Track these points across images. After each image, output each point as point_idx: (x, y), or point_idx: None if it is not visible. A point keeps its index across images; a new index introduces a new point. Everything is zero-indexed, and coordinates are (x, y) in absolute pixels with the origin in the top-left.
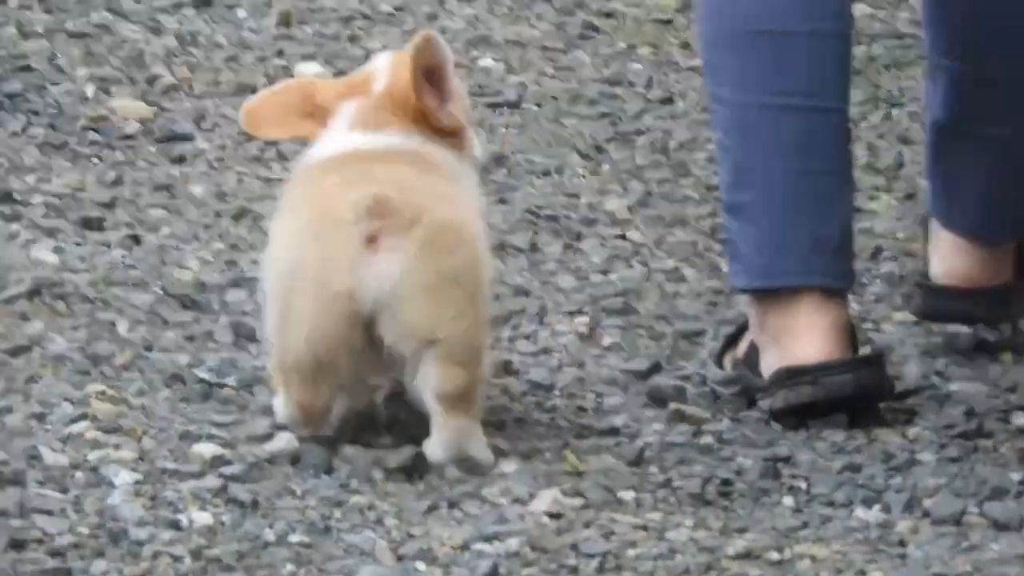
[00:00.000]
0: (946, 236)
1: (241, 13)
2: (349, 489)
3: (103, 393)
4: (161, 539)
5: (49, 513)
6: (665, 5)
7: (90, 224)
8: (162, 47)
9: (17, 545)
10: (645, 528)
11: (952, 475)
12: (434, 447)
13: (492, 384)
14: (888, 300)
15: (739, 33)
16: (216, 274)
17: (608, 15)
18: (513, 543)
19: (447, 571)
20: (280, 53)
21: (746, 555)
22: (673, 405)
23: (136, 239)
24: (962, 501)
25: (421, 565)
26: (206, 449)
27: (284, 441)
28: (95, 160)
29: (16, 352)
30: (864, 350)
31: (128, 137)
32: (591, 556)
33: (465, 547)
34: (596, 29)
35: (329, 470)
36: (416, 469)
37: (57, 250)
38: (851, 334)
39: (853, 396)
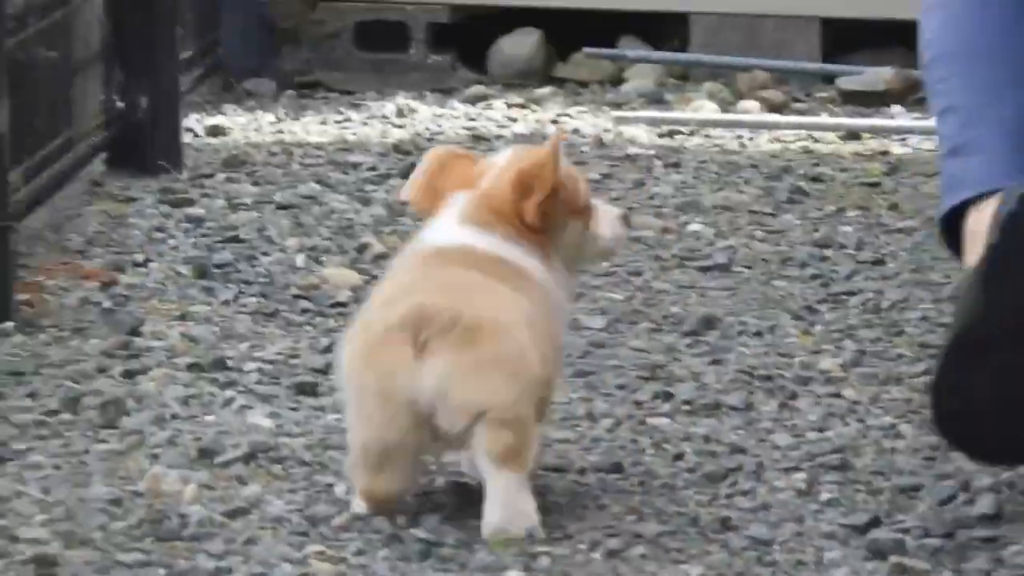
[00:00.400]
0: None
1: None
2: None
3: (322, 554)
4: None
5: None
6: (872, 169)
7: (304, 389)
8: (370, 216)
9: None
10: None
11: None
12: (490, 508)
13: (710, 538)
14: None
15: None
16: None
17: (816, 179)
18: None
19: None
20: None
21: None
22: (894, 558)
23: None
24: None
25: None
26: None
27: None
28: (307, 327)
29: (234, 514)
30: None
31: (339, 304)
32: None
33: None
34: (804, 193)
35: None
36: None
37: (272, 415)
38: None
39: None
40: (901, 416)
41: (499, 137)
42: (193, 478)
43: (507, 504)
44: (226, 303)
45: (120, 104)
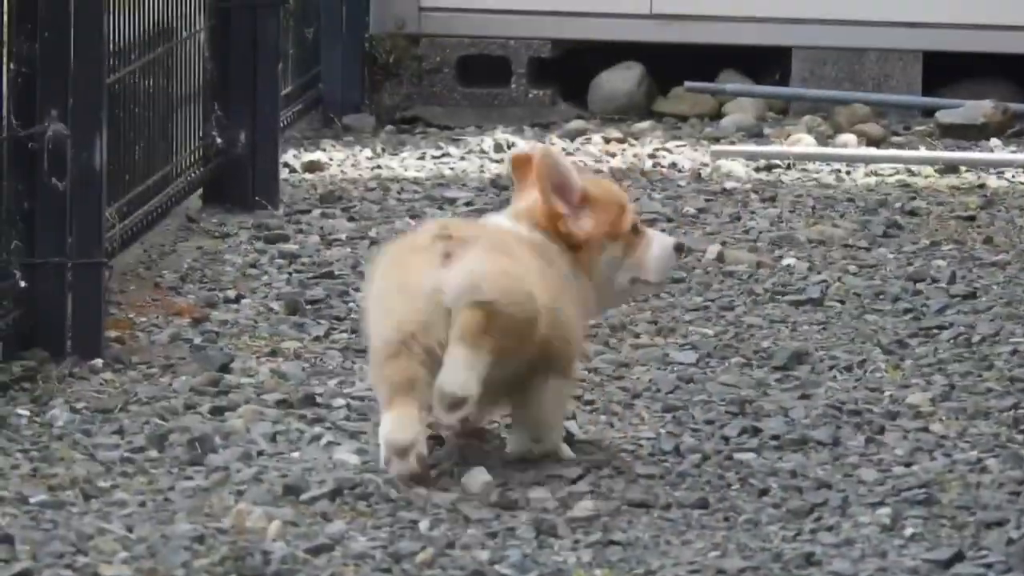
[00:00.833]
0: None
1: None
2: None
3: None
4: None
5: None
6: (969, 202)
7: None
8: None
9: None
10: None
11: None
12: (440, 374)
13: (793, 574)
14: None
15: None
16: (517, 473)
17: (911, 213)
18: None
19: None
20: None
21: None
22: None
23: (438, 439)
24: None
25: None
26: None
27: None
28: None
29: (318, 551)
30: None
31: None
32: None
33: None
34: (899, 227)
35: None
36: None
37: (359, 451)
38: None
39: None
40: (988, 451)
41: (597, 172)
42: (278, 515)
43: (451, 369)
44: (317, 339)
45: (219, 140)
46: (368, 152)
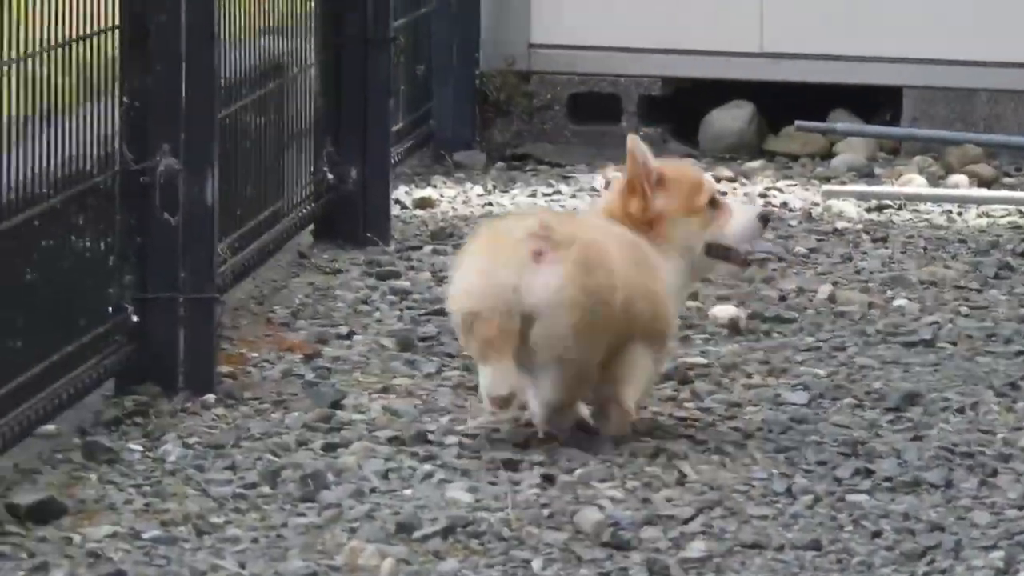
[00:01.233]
0: None
1: None
2: None
3: None
4: None
5: None
6: None
7: (504, 463)
8: None
9: None
10: None
11: None
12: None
13: None
14: None
15: None
16: (630, 512)
17: (1023, 255)
18: None
19: None
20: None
21: None
22: None
23: (550, 478)
24: None
25: None
26: None
27: None
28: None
29: None
30: None
31: None
32: None
33: None
34: (1011, 268)
35: None
36: None
37: (471, 489)
38: None
39: None
40: None
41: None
42: (390, 552)
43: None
44: (429, 376)
45: (330, 176)
46: (479, 189)
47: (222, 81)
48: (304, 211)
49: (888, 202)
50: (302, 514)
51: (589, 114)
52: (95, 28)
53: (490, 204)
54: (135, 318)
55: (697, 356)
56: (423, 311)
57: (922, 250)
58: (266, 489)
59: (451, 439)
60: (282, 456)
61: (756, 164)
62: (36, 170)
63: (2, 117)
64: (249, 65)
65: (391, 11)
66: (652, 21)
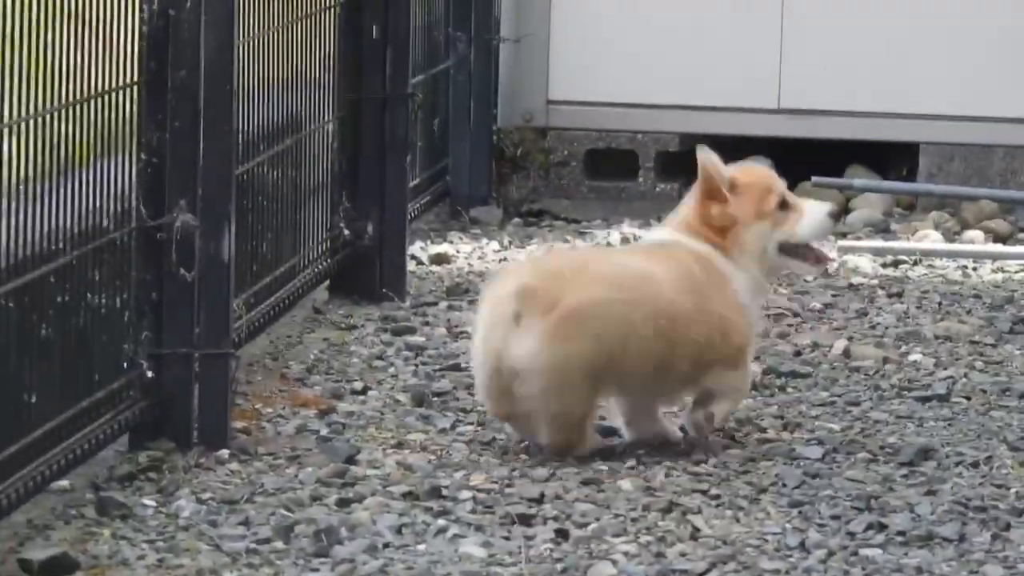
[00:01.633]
0: None
1: None
2: None
3: None
4: None
5: None
6: None
7: (518, 519)
8: None
9: None
10: None
11: None
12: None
13: None
14: None
15: None
16: (643, 566)
17: None
18: None
19: None
20: None
21: None
22: None
23: (564, 533)
24: None
25: None
26: None
27: None
28: (523, 456)
29: None
30: None
31: None
32: None
33: None
34: None
35: None
36: None
37: (485, 544)
38: None
39: None
40: None
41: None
42: None
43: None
44: (443, 431)
45: (347, 231)
46: (495, 245)
47: (239, 137)
48: (320, 267)
49: (904, 257)
50: (315, 569)
51: (606, 170)
52: (114, 84)
53: (506, 260)
54: (150, 373)
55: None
56: (438, 367)
57: (937, 305)
58: (280, 544)
59: (465, 494)
60: (296, 511)
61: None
62: (53, 225)
63: (21, 173)
64: (266, 121)
65: (410, 67)
66: (670, 77)
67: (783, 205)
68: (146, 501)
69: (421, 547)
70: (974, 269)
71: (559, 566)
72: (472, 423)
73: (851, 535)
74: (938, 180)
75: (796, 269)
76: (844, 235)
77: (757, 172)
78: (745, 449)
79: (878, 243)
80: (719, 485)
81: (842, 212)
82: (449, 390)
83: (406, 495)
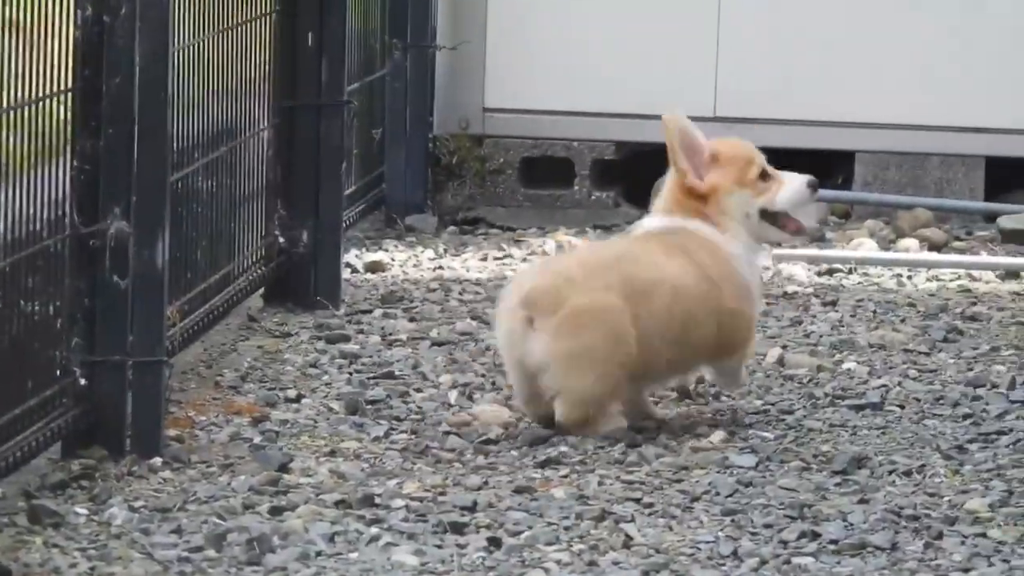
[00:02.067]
0: None
1: None
2: None
3: None
4: None
5: None
6: None
7: (451, 527)
8: None
9: None
10: None
11: None
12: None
13: None
14: None
15: None
16: (576, 575)
17: (972, 318)
18: None
19: None
20: None
21: None
22: None
23: (496, 541)
24: None
25: None
26: None
27: None
28: (456, 464)
29: None
30: None
31: (490, 442)
32: None
33: None
34: (960, 332)
35: None
36: None
37: (417, 552)
38: None
39: None
40: None
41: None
42: None
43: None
44: (376, 440)
45: (281, 239)
46: (430, 253)
47: (174, 145)
48: (254, 274)
49: (839, 266)
50: None
51: (542, 178)
52: (47, 91)
53: (441, 268)
54: (83, 381)
55: (645, 419)
56: (372, 375)
57: (871, 313)
58: (212, 553)
59: (398, 502)
60: (228, 519)
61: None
62: None
63: None
64: (201, 129)
65: (345, 75)
66: (606, 85)
67: (763, 175)
68: (78, 509)
69: (354, 555)
70: (909, 278)
71: (492, 574)
72: (405, 431)
73: (784, 543)
74: (873, 188)
75: (775, 237)
76: (779, 243)
77: (738, 144)
78: (678, 457)
79: (813, 251)
80: (652, 493)
81: (819, 185)
82: (383, 398)
83: (339, 503)
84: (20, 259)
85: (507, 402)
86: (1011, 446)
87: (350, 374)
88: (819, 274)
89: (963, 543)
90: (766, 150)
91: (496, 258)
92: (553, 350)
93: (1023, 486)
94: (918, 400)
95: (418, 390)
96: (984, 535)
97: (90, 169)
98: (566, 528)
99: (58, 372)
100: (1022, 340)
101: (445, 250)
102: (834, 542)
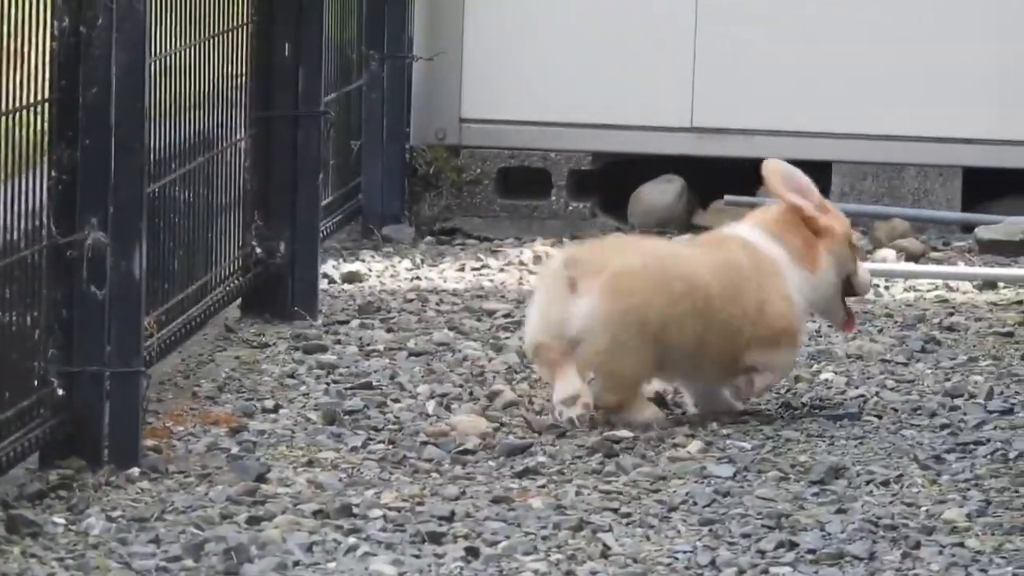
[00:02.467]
0: None
1: None
2: None
3: None
4: None
5: None
6: (1007, 318)
7: (428, 537)
8: (502, 364)
9: None
10: None
11: None
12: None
13: None
14: None
15: None
16: None
17: (950, 328)
18: None
19: None
20: None
21: None
22: None
23: (474, 551)
24: None
25: None
26: None
27: None
28: (434, 474)
29: None
30: None
31: (467, 452)
32: None
33: None
34: (937, 342)
35: None
36: None
37: (395, 563)
38: None
39: None
40: None
41: None
42: None
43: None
44: (354, 450)
45: (259, 250)
46: (407, 263)
47: (150, 156)
48: (232, 285)
49: None
50: None
51: (518, 188)
52: (24, 102)
53: (418, 279)
54: (60, 391)
55: (622, 429)
56: (349, 385)
57: None
58: (189, 562)
59: (376, 512)
60: (206, 529)
61: (684, 239)
62: None
63: None
64: (178, 139)
65: (322, 85)
66: (583, 96)
67: (852, 247)
68: (56, 519)
69: (331, 565)
70: (886, 288)
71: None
72: (383, 441)
73: (761, 553)
74: (850, 199)
75: (835, 313)
76: None
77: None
78: (656, 467)
79: None
80: (630, 503)
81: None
82: (360, 408)
83: (316, 513)
84: None
85: (484, 412)
86: (988, 456)
87: (327, 384)
88: None
89: (941, 553)
90: (744, 161)
91: (473, 268)
92: (601, 314)
93: (1000, 496)
94: (896, 410)
95: (395, 400)
96: (962, 544)
97: (67, 179)
98: (544, 538)
99: (35, 383)
100: (999, 350)
101: (422, 260)
102: (812, 552)
